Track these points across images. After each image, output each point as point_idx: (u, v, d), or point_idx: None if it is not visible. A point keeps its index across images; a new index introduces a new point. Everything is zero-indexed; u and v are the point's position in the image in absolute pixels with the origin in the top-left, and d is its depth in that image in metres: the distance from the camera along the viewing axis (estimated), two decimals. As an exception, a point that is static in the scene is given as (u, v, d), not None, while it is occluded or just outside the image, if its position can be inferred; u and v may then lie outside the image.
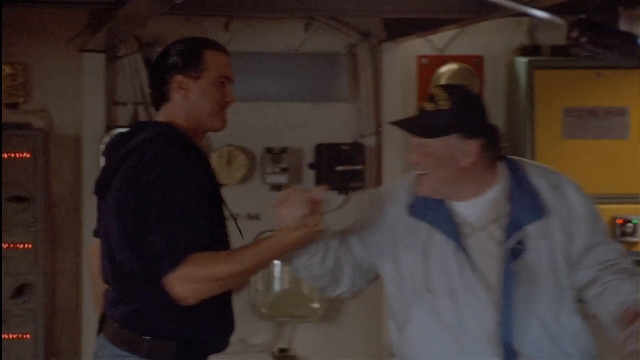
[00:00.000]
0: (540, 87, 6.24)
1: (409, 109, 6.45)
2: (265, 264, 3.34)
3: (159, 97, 3.42)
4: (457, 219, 3.30)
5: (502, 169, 3.32)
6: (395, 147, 6.37)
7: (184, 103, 3.40)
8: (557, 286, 3.28)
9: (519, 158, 3.42)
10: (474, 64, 6.43)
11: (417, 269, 3.33)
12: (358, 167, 6.34)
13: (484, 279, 3.25)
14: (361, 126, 6.42)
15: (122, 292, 3.35)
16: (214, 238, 3.29)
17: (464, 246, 3.27)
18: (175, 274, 3.20)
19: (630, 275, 3.33)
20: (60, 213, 6.18)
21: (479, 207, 3.30)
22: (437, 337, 3.31)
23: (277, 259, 3.32)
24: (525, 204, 3.27)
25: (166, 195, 3.23)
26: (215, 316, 3.37)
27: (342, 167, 6.29)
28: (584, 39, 3.15)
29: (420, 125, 3.28)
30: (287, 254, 3.31)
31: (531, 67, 6.25)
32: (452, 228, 3.28)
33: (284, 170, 6.27)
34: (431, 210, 3.32)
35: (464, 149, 3.25)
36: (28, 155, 5.98)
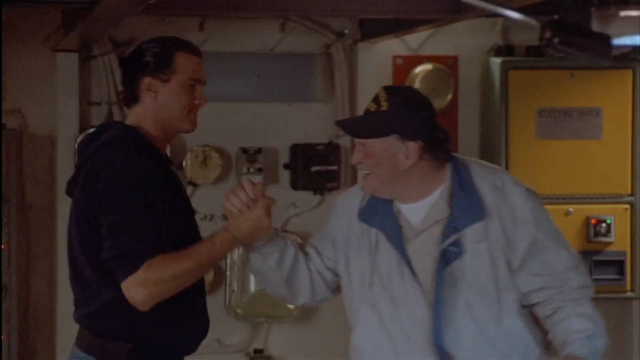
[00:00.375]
0: (515, 88, 6.26)
1: (384, 109, 6.47)
2: (219, 257, 3.36)
3: (130, 97, 3.43)
4: (402, 222, 3.33)
5: (447, 171, 3.32)
6: (371, 147, 6.37)
7: (153, 105, 3.40)
8: (497, 289, 3.26)
9: (468, 158, 3.40)
10: (448, 64, 6.44)
11: (365, 274, 3.37)
12: (333, 168, 6.34)
13: (421, 283, 3.26)
14: (336, 126, 6.41)
15: (80, 295, 3.39)
16: (173, 241, 3.28)
17: (406, 250, 3.29)
18: (130, 280, 3.20)
19: (578, 303, 3.27)
20: (34, 214, 6.15)
21: (422, 210, 3.32)
22: (379, 341, 3.34)
23: (230, 251, 3.36)
24: (465, 206, 3.27)
25: (117, 201, 3.24)
26: (176, 319, 3.36)
27: (318, 167, 6.29)
28: (556, 40, 3.16)
29: (361, 125, 3.32)
30: (238, 245, 3.35)
31: (505, 68, 6.26)
32: (396, 232, 3.31)
33: (259, 170, 6.27)
34: (379, 215, 3.36)
35: (403, 150, 3.27)
36: (1, 156, 5.94)
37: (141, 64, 3.40)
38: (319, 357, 6.42)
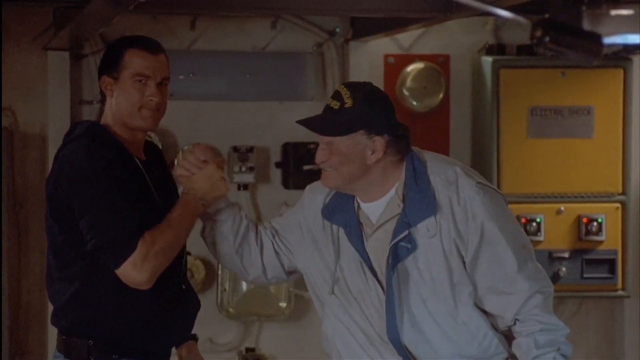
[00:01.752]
0: (506, 86, 6.27)
1: (376, 108, 6.47)
2: (191, 220, 3.45)
3: (100, 96, 3.57)
4: (362, 219, 3.35)
5: (405, 165, 3.33)
6: (362, 146, 6.38)
7: (110, 102, 3.49)
8: (452, 283, 3.26)
9: (425, 152, 3.40)
10: (440, 63, 6.45)
11: (328, 270, 3.39)
12: (325, 166, 6.34)
13: (380, 279, 3.28)
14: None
15: (50, 292, 3.46)
16: (150, 224, 3.35)
17: (365, 247, 3.31)
18: (129, 263, 3.27)
19: (535, 316, 3.24)
20: (25, 212, 6.14)
21: (379, 207, 3.33)
22: (345, 335, 3.37)
23: (197, 212, 3.46)
24: (418, 201, 3.27)
25: (86, 194, 3.31)
26: (138, 318, 3.38)
27: (309, 166, 6.29)
28: (547, 39, 3.16)
29: (327, 123, 3.32)
30: (203, 204, 3.44)
31: (497, 66, 6.27)
32: (356, 230, 3.33)
33: (250, 169, 6.26)
34: (342, 212, 3.37)
35: (370, 146, 3.28)
36: (1, 155, 5.94)
37: (101, 63, 3.52)
38: (310, 355, 6.42)
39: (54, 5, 5.90)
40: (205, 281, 6.26)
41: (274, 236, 3.55)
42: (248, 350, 6.37)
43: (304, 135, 6.46)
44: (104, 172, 3.31)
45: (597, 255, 6.30)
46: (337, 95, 3.33)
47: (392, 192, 3.32)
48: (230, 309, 6.28)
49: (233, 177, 6.28)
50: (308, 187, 3.59)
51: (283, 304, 6.30)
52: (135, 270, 3.27)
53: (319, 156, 3.33)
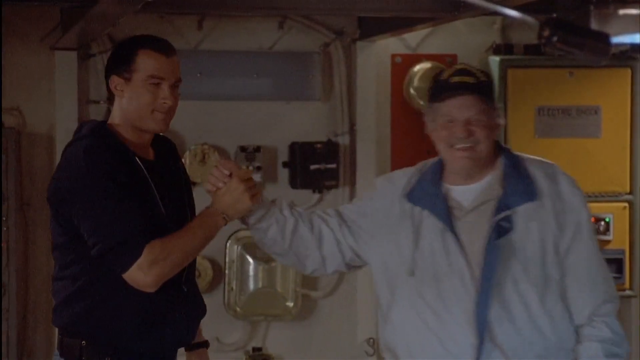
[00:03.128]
0: (513, 86, 6.26)
1: (383, 108, 6.46)
2: (210, 232, 3.41)
3: (109, 96, 3.49)
4: (451, 203, 3.36)
5: (500, 158, 3.38)
6: (369, 145, 6.38)
7: (120, 103, 3.43)
8: (544, 269, 3.30)
9: (517, 152, 3.48)
10: (447, 62, 6.44)
11: (406, 252, 3.38)
12: (332, 166, 6.34)
13: (469, 260, 3.29)
14: (335, 125, 6.42)
15: (52, 292, 3.44)
16: (153, 226, 3.32)
17: (454, 228, 3.31)
18: (136, 266, 3.24)
19: (605, 321, 3.33)
20: (33, 212, 6.14)
21: (474, 192, 3.35)
22: (415, 320, 3.35)
23: (219, 225, 3.43)
24: (518, 188, 3.32)
25: (88, 196, 3.28)
26: (132, 320, 3.35)
27: (316, 165, 6.29)
28: (555, 38, 3.16)
29: (483, 94, 3.32)
30: (227, 219, 3.44)
31: (504, 66, 6.26)
32: (444, 210, 3.34)
33: (257, 168, 6.26)
34: (428, 196, 3.38)
35: (499, 119, 3.35)
36: (1, 154, 5.94)
37: (109, 63, 3.45)
38: (317, 355, 6.42)
39: (61, 5, 5.90)
40: (213, 281, 6.26)
41: (340, 225, 3.54)
42: (255, 350, 6.37)
43: (311, 134, 6.49)
44: (102, 174, 3.27)
45: (604, 255, 6.18)
46: (464, 71, 3.33)
47: (488, 179, 3.36)
48: (238, 309, 6.28)
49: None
50: (379, 179, 3.59)
51: (290, 304, 6.30)
52: (142, 274, 3.25)
53: (462, 131, 3.29)
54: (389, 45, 6.41)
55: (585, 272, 3.34)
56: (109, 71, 3.44)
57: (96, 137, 3.36)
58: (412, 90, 6.40)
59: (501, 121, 3.36)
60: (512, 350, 3.25)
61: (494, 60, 6.32)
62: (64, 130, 6.09)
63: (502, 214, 3.27)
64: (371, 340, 6.39)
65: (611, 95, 6.30)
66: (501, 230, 3.27)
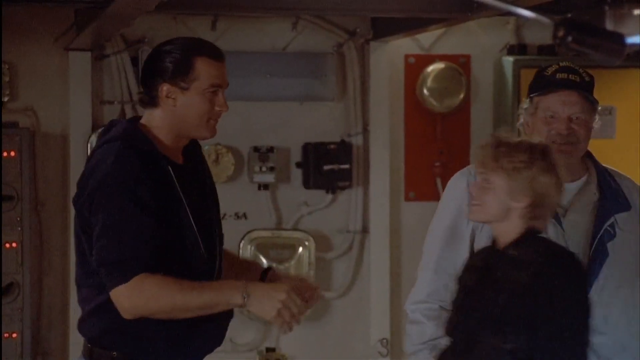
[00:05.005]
0: (527, 86, 6.24)
1: (396, 108, 6.46)
2: (218, 303, 3.18)
3: (148, 100, 3.28)
4: None
5: (589, 161, 3.39)
6: (382, 146, 6.37)
7: (171, 112, 3.25)
8: (638, 277, 3.35)
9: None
10: (460, 63, 6.43)
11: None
12: (345, 166, 6.33)
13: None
14: (348, 125, 6.42)
15: (78, 298, 3.34)
16: (167, 251, 3.18)
17: (562, 225, 3.30)
18: (122, 288, 3.12)
19: None
20: (47, 212, 6.16)
21: (571, 192, 3.33)
22: None
23: (236, 303, 3.19)
24: (614, 194, 3.33)
25: (105, 203, 3.14)
26: (164, 333, 3.24)
27: (330, 166, 6.29)
28: (569, 38, 3.14)
29: (589, 94, 3.30)
30: (245, 303, 3.18)
31: (518, 66, 6.25)
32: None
33: (271, 169, 6.27)
34: None
35: (595, 124, 3.34)
36: (14, 154, 5.96)
37: (160, 69, 3.23)
38: (330, 355, 6.42)
39: (75, 5, 5.91)
40: (226, 281, 6.27)
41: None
42: (268, 350, 6.37)
43: (325, 135, 6.49)
44: (126, 187, 3.13)
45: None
46: (569, 69, 3.31)
47: (584, 179, 3.35)
48: (251, 309, 6.27)
49: (253, 177, 6.29)
50: (452, 180, 3.44)
51: (303, 304, 6.29)
52: (121, 298, 3.12)
53: (564, 128, 3.26)
54: (402, 46, 6.41)
55: None
56: (158, 78, 3.23)
57: (129, 140, 3.20)
58: (425, 91, 6.40)
59: (597, 124, 3.34)
60: (605, 355, 3.28)
61: (508, 60, 6.31)
62: (78, 131, 6.11)
63: (611, 219, 3.29)
64: (385, 340, 6.38)
65: (625, 96, 6.28)
66: (607, 235, 3.30)
